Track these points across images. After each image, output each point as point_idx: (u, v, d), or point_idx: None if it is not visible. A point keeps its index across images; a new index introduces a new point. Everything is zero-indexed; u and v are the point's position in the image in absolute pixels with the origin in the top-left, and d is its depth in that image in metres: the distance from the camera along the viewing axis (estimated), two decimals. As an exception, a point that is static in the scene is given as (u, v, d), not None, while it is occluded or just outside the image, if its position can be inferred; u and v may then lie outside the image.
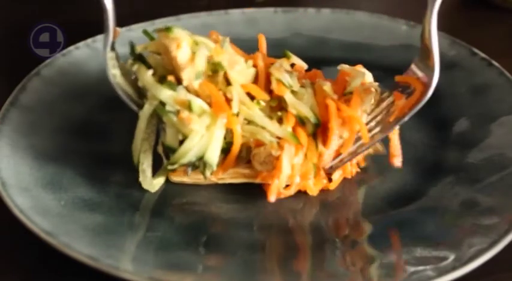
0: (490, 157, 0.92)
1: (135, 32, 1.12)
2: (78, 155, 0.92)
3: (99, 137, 0.95)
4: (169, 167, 0.85)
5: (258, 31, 1.14)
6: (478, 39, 1.16)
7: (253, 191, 0.89)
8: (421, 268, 0.77)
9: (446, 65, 1.07)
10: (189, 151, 0.84)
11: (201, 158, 0.85)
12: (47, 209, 0.83)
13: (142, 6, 1.33)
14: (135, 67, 0.87)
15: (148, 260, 0.79)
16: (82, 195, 0.87)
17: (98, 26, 1.14)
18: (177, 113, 0.84)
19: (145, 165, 0.87)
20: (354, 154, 0.89)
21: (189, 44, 0.85)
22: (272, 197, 0.85)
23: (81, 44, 1.08)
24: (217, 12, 1.17)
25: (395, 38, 1.13)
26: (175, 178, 0.89)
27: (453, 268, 0.76)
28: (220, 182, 0.89)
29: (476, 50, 1.07)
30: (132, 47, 0.89)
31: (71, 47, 1.08)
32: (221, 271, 0.79)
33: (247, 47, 1.13)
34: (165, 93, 0.84)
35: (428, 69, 0.85)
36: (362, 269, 0.80)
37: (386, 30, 1.14)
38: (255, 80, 0.89)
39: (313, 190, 0.88)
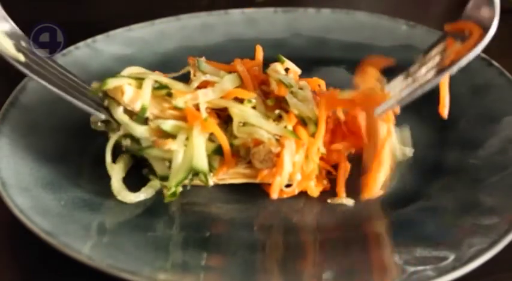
0: (490, 157, 0.92)
1: (135, 32, 1.13)
2: (78, 155, 0.92)
3: (99, 137, 0.95)
4: (169, 193, 0.86)
5: (258, 31, 1.15)
6: (478, 39, 1.15)
7: (254, 191, 0.89)
8: (421, 268, 0.77)
9: (446, 65, 1.07)
10: (179, 170, 0.85)
11: (195, 173, 0.86)
12: (47, 209, 0.83)
13: (142, 6, 1.33)
14: (106, 102, 0.89)
15: (148, 260, 0.79)
16: (82, 195, 0.87)
17: (98, 26, 1.14)
18: (153, 143, 0.86)
19: (122, 193, 0.87)
20: (415, 91, 0.84)
21: (131, 83, 0.88)
22: (274, 195, 0.85)
23: (81, 44, 1.08)
24: (217, 12, 1.17)
25: (395, 38, 1.12)
26: None
27: (453, 268, 0.76)
28: (220, 182, 0.89)
29: (476, 50, 1.06)
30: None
31: (71, 47, 1.08)
32: (221, 271, 0.79)
33: (247, 47, 1.13)
34: (140, 129, 0.86)
35: (487, 8, 0.81)
36: (362, 269, 0.80)
37: (386, 30, 1.13)
38: (242, 84, 0.90)
39: (314, 191, 0.88)
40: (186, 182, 0.87)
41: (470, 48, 0.81)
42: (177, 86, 0.89)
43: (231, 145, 0.87)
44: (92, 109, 0.89)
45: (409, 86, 0.84)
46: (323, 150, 0.88)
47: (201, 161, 0.85)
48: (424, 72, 0.84)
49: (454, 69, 0.82)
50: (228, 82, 0.89)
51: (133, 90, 0.87)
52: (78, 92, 0.90)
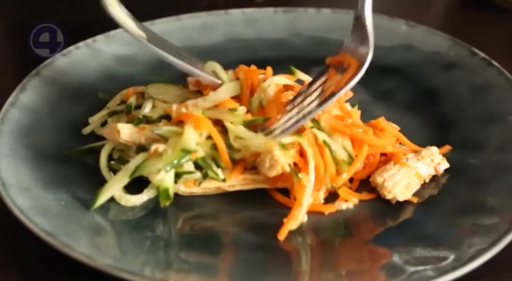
0: (490, 157, 0.92)
1: (135, 32, 1.13)
2: (78, 155, 0.92)
3: (100, 137, 0.95)
4: (161, 189, 0.84)
5: (258, 31, 1.15)
6: (478, 39, 1.16)
7: (254, 192, 0.89)
8: (421, 268, 0.77)
9: (447, 65, 1.07)
10: (171, 153, 0.84)
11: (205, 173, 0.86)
12: (47, 209, 0.83)
13: (142, 6, 1.33)
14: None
15: (149, 260, 0.79)
16: (82, 195, 0.87)
17: (98, 26, 1.14)
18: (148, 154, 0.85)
19: (125, 198, 0.87)
20: (299, 121, 0.87)
21: (123, 120, 0.92)
22: (282, 237, 0.83)
23: (81, 44, 1.08)
24: (217, 12, 1.17)
25: (395, 38, 1.13)
26: (185, 189, 0.88)
27: (453, 268, 0.76)
28: (231, 189, 0.89)
29: (476, 50, 1.07)
30: None
31: (71, 47, 1.08)
32: (222, 271, 0.79)
33: (247, 47, 1.14)
34: (142, 156, 0.86)
35: (363, 45, 0.88)
36: (362, 269, 0.80)
37: (386, 30, 1.13)
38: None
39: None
40: (195, 189, 0.87)
41: (348, 80, 0.86)
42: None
43: (233, 160, 0.87)
44: (205, 75, 0.92)
45: (293, 117, 0.88)
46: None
47: (191, 143, 0.84)
48: (308, 103, 0.89)
49: (334, 99, 0.86)
50: (223, 93, 0.90)
51: (128, 127, 0.88)
52: (191, 62, 0.93)
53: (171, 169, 0.83)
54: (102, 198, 0.85)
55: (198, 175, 0.86)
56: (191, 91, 0.95)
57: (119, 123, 0.89)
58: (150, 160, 0.84)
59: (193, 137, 0.85)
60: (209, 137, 0.86)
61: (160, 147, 0.85)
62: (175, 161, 0.83)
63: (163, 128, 0.86)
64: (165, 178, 0.84)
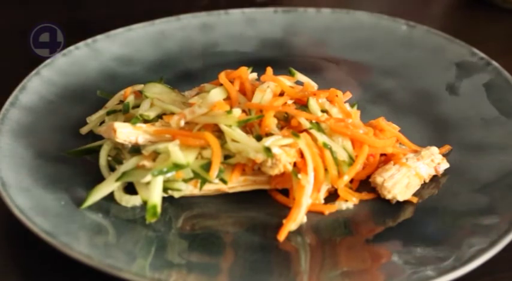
0: (490, 157, 0.92)
1: (135, 32, 1.13)
2: (77, 155, 0.92)
3: (99, 137, 0.95)
4: (149, 207, 0.83)
5: (258, 31, 1.15)
6: (478, 39, 1.16)
7: (254, 192, 0.89)
8: (421, 268, 0.77)
9: (446, 65, 1.07)
10: (161, 164, 0.84)
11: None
12: (47, 209, 0.83)
13: (142, 6, 1.33)
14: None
15: (148, 260, 0.79)
16: (82, 195, 0.87)
17: (98, 26, 1.14)
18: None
19: (125, 199, 0.86)
20: None
21: (121, 119, 0.92)
22: (282, 237, 0.83)
23: (81, 44, 1.08)
24: (217, 12, 1.17)
25: (395, 38, 1.12)
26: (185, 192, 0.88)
27: (453, 268, 0.76)
28: (231, 191, 0.88)
29: (476, 50, 1.07)
30: None
31: (71, 47, 1.08)
32: (222, 271, 0.79)
33: (247, 47, 1.14)
34: (133, 162, 0.86)
35: None
36: (362, 270, 0.80)
37: (386, 30, 1.14)
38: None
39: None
40: (196, 191, 0.87)
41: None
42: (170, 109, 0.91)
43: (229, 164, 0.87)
44: None
45: None
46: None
47: (180, 159, 0.84)
48: None
49: None
50: (212, 96, 0.90)
51: (124, 126, 0.87)
52: None
53: (158, 175, 0.83)
54: (92, 199, 0.85)
55: (189, 187, 0.86)
56: (186, 97, 0.95)
57: (116, 122, 0.89)
58: (138, 170, 0.85)
59: (184, 155, 0.84)
60: (203, 148, 0.86)
61: (148, 164, 0.84)
62: (165, 169, 0.83)
63: (159, 146, 0.85)
64: (153, 193, 0.83)
